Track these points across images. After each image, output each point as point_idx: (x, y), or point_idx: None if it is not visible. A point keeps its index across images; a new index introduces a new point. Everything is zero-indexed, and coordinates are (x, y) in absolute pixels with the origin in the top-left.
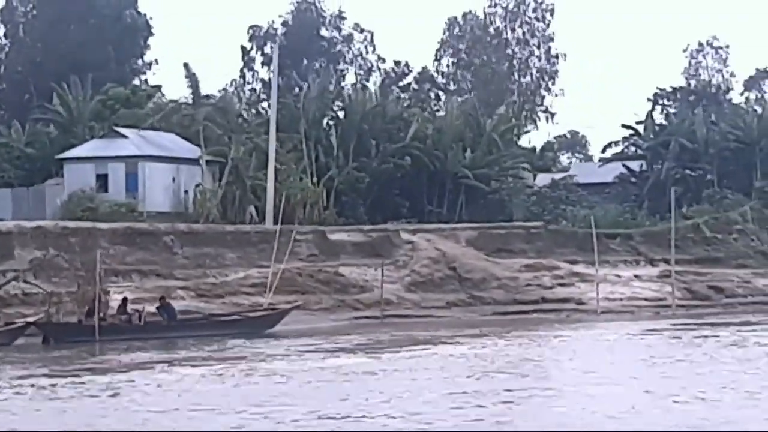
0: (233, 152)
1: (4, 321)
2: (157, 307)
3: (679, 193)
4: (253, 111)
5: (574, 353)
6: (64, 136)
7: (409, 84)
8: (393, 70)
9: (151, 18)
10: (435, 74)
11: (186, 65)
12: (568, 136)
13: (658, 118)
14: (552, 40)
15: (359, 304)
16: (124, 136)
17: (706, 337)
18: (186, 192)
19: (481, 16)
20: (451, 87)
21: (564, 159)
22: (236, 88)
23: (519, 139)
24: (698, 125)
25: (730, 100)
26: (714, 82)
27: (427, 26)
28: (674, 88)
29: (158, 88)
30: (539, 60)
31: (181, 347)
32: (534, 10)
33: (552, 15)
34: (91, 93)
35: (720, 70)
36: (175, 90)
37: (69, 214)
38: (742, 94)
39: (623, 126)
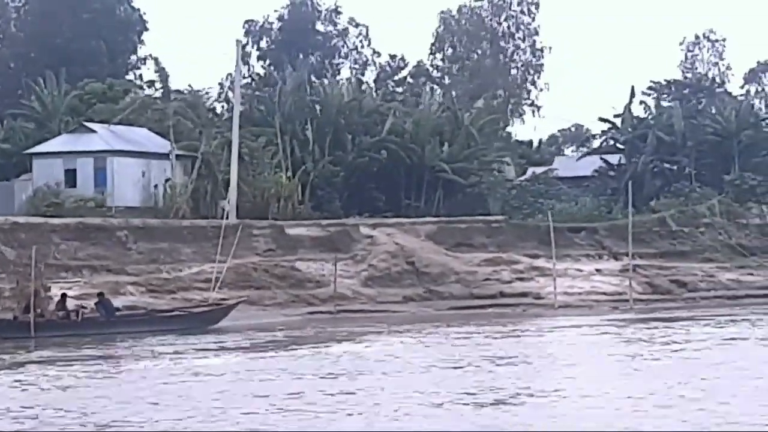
0: (204, 146)
1: None
2: (95, 303)
3: (656, 186)
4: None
5: (458, 352)
6: (39, 132)
7: (405, 78)
8: (388, 64)
9: (144, 13)
10: (430, 68)
11: (156, 60)
12: (573, 129)
13: (638, 111)
14: (537, 33)
15: (314, 299)
16: (93, 131)
17: (613, 334)
18: (156, 187)
19: (470, 10)
20: (446, 81)
21: (568, 152)
22: (231, 82)
23: (503, 132)
24: (676, 118)
25: (730, 93)
26: (710, 75)
27: (423, 20)
28: (668, 81)
29: (152, 83)
30: (524, 53)
31: (109, 344)
32: (519, 4)
33: (537, 9)
34: (68, 88)
35: (716, 63)
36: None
37: (33, 209)
38: (742, 87)
39: (600, 119)
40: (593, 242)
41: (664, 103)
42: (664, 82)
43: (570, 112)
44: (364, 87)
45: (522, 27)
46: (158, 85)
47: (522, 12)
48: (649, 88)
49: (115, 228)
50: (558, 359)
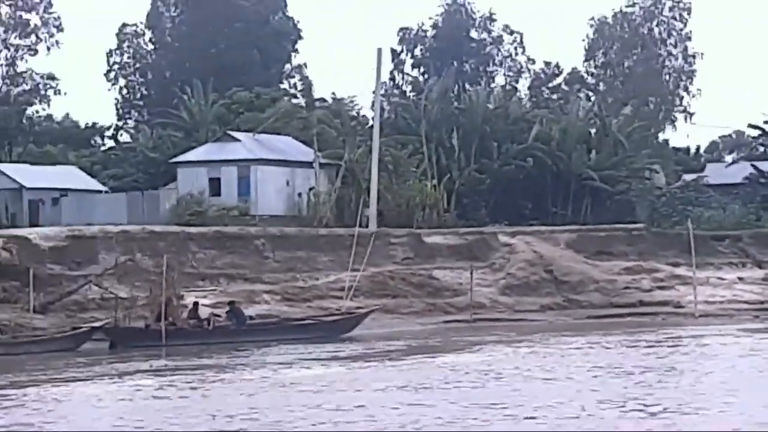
0: (347, 155)
1: (71, 326)
2: (226, 312)
3: None
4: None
5: (565, 362)
6: (186, 141)
7: (559, 85)
8: (543, 71)
9: (298, 21)
10: (585, 75)
11: (299, 67)
12: (733, 136)
13: None
14: (689, 39)
15: (450, 307)
16: (237, 140)
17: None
18: (300, 195)
19: (621, 16)
20: (601, 88)
21: (729, 159)
22: (386, 90)
23: (654, 139)
24: None
25: None
26: None
27: (578, 27)
28: None
29: (304, 92)
30: (676, 60)
31: (234, 353)
32: (671, 9)
33: (689, 14)
34: (216, 97)
35: None
36: (321, 93)
37: (177, 218)
38: None
39: (750, 126)
40: (737, 250)
41: None
42: None
43: (724, 119)
44: (511, 94)
45: (674, 33)
46: (311, 94)
47: (674, 18)
48: None
49: (253, 237)
50: (668, 370)
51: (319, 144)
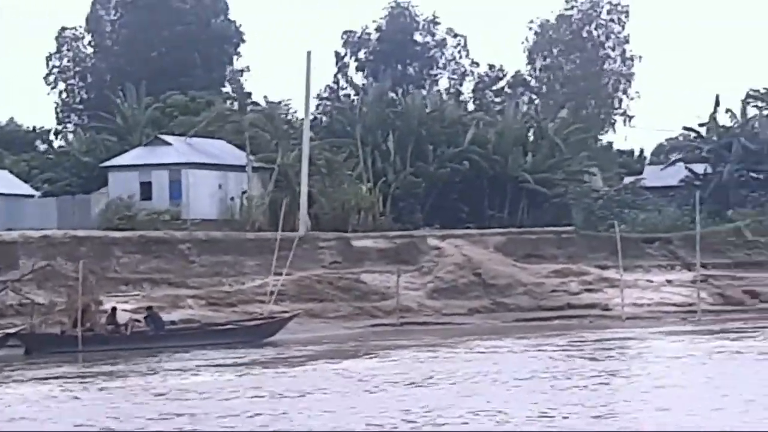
0: (280, 158)
1: None
2: (144, 317)
3: (742, 195)
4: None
5: (460, 367)
6: (120, 145)
7: (503, 88)
8: (486, 74)
9: (240, 25)
10: (528, 78)
11: (233, 72)
12: (681, 138)
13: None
14: (627, 42)
15: (378, 311)
16: (169, 144)
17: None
18: (232, 199)
19: (561, 18)
20: (544, 90)
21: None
22: (329, 93)
23: (593, 141)
24: (762, 127)
25: None
26: None
27: (522, 30)
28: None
29: (248, 95)
30: (615, 62)
31: (141, 359)
32: (609, 12)
33: (627, 17)
34: (150, 100)
35: None
36: (262, 96)
37: (107, 222)
38: None
39: (685, 128)
40: (666, 253)
41: (752, 111)
42: (763, 90)
43: (665, 121)
44: (447, 97)
45: (612, 35)
46: (243, 98)
47: (612, 20)
48: (749, 96)
49: (178, 241)
50: (552, 371)
51: (253, 148)
